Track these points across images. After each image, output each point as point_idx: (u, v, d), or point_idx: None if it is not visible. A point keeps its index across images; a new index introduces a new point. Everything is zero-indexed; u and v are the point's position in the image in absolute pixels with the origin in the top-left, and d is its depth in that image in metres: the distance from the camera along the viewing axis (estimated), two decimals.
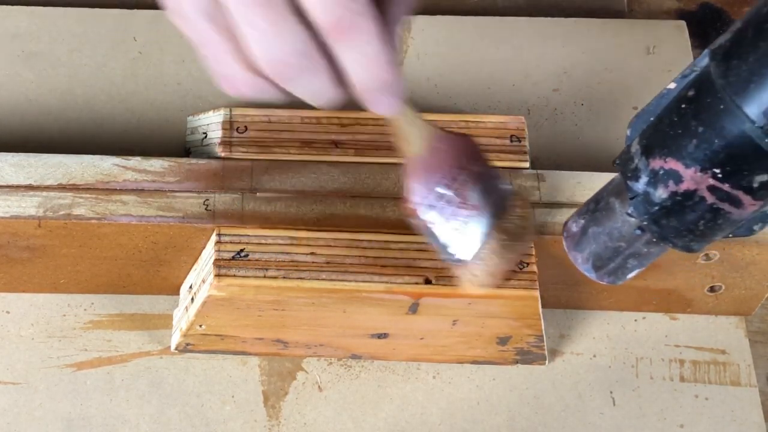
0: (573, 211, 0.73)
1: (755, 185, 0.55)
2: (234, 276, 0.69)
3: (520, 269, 0.71)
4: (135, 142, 0.81)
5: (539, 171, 0.75)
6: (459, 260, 0.66)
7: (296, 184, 0.73)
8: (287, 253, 0.70)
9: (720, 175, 0.55)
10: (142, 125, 0.83)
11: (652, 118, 0.58)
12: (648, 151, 0.57)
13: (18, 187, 0.72)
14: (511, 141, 0.77)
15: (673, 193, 0.57)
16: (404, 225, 0.72)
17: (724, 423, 0.75)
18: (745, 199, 0.56)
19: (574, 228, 0.64)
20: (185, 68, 0.86)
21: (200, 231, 0.72)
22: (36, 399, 0.73)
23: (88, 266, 0.74)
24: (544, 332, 0.73)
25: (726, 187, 0.55)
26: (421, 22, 0.89)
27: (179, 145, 0.80)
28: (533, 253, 0.71)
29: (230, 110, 0.77)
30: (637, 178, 0.58)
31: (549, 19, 0.91)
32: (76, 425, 0.72)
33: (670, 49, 0.89)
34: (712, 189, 0.56)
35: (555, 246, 0.73)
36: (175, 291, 0.76)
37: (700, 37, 0.93)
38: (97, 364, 0.74)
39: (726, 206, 0.56)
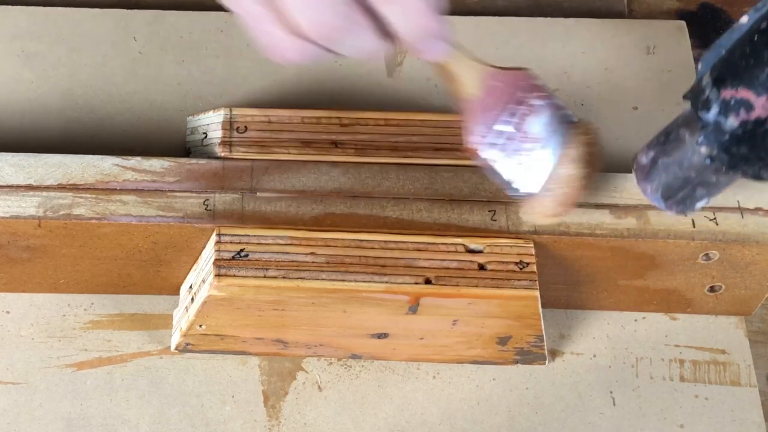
0: (574, 211, 0.73)
1: None
2: (234, 276, 0.69)
3: (520, 269, 0.71)
4: (135, 142, 0.81)
5: None
6: (526, 194, 0.67)
7: (296, 184, 0.73)
8: (287, 253, 0.70)
9: None
10: (142, 125, 0.83)
11: (723, 52, 0.60)
12: (719, 82, 0.60)
13: (18, 187, 0.72)
14: None
15: (744, 122, 0.60)
16: (404, 225, 0.72)
17: (724, 423, 0.75)
18: None
19: (644, 160, 0.66)
20: (185, 68, 0.86)
21: (200, 231, 0.72)
22: (36, 399, 0.73)
23: (88, 266, 0.74)
24: (544, 332, 0.73)
25: None
26: None
27: (179, 145, 0.80)
28: (533, 253, 0.72)
29: (230, 110, 0.77)
30: (708, 109, 0.61)
31: (549, 19, 0.91)
32: (76, 425, 0.72)
33: (670, 49, 0.89)
34: None
35: (555, 246, 0.73)
36: (175, 291, 0.76)
37: (700, 37, 0.93)
38: (97, 364, 0.74)
39: None
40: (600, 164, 0.72)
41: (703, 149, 0.62)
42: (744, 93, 0.60)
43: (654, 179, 0.66)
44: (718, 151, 0.62)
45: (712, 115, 0.61)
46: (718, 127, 0.61)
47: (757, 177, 0.63)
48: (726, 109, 0.60)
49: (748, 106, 0.60)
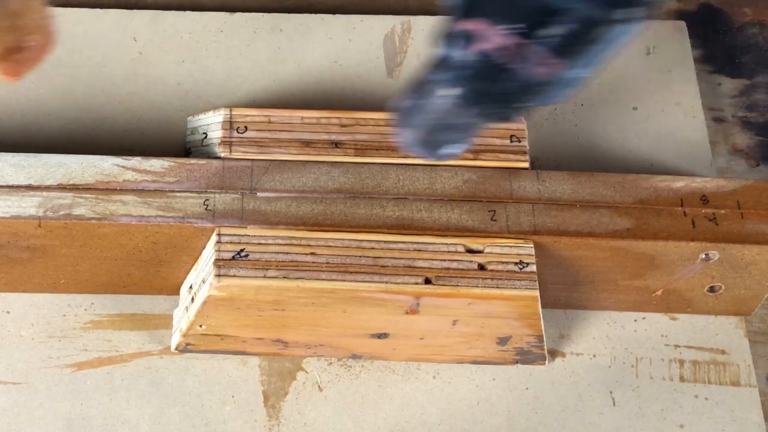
0: (573, 211, 0.73)
1: (547, 40, 0.56)
2: (234, 276, 0.69)
3: (520, 269, 0.71)
4: (135, 142, 0.81)
5: (539, 171, 0.75)
6: None
7: (296, 184, 0.74)
8: (287, 253, 0.70)
9: (515, 32, 0.57)
10: (142, 125, 0.83)
11: None
12: (458, 14, 0.59)
13: (18, 187, 0.72)
14: (511, 141, 0.77)
15: (480, 54, 0.58)
16: (404, 225, 0.72)
17: (724, 423, 0.75)
18: (543, 56, 0.57)
19: (402, 105, 0.64)
20: (185, 68, 0.86)
21: (200, 231, 0.72)
22: (36, 399, 0.73)
23: (88, 266, 0.74)
24: (544, 332, 0.73)
25: (523, 43, 0.57)
26: (421, 22, 0.89)
27: (179, 145, 0.80)
28: (533, 253, 0.72)
29: (230, 110, 0.77)
30: (450, 43, 0.59)
31: None
32: (76, 425, 0.72)
33: (670, 49, 0.89)
34: (512, 47, 0.57)
35: (555, 246, 0.73)
36: (175, 291, 0.76)
37: (700, 37, 0.93)
38: (97, 364, 0.74)
39: (526, 65, 0.58)
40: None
41: (448, 87, 0.61)
42: (476, 24, 0.58)
43: (411, 122, 0.64)
44: (462, 86, 0.60)
45: (454, 49, 0.59)
46: (460, 61, 0.59)
47: (502, 117, 0.62)
48: (466, 41, 0.58)
49: (485, 38, 0.58)
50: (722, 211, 0.74)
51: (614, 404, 0.75)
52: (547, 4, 0.55)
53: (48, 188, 0.72)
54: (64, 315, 0.76)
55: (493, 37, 0.57)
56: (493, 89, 0.59)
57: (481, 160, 0.76)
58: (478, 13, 0.58)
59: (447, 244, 0.72)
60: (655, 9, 0.56)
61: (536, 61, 0.57)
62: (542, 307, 0.72)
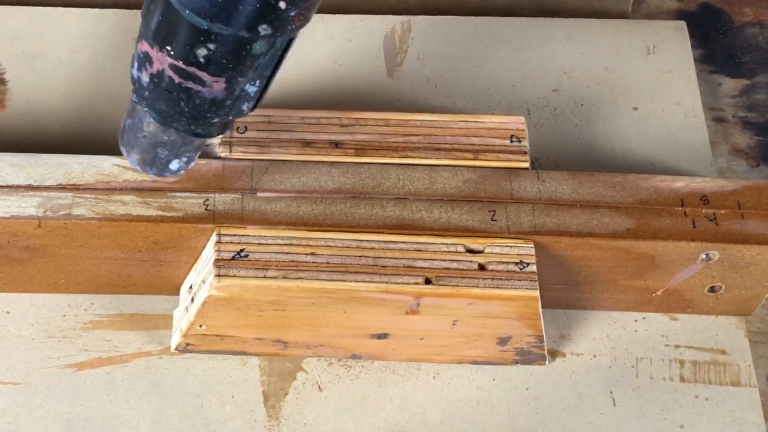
0: (573, 211, 0.74)
1: (202, 60, 0.58)
2: (234, 276, 0.69)
3: (520, 269, 0.71)
4: None
5: (539, 171, 0.75)
6: None
7: (296, 184, 0.74)
8: (287, 253, 0.70)
9: (172, 53, 0.59)
10: None
11: None
12: (138, 36, 0.61)
13: (18, 187, 0.72)
14: (511, 141, 0.77)
15: (152, 76, 0.60)
16: (404, 225, 0.72)
17: (724, 423, 0.75)
18: (204, 75, 0.59)
19: (122, 123, 0.67)
20: None
21: (200, 231, 0.72)
22: (36, 399, 0.73)
23: (88, 266, 0.74)
24: (544, 332, 0.73)
25: (181, 64, 0.59)
26: (421, 22, 0.89)
27: None
28: (533, 253, 0.72)
29: None
30: (132, 64, 0.62)
31: (549, 19, 0.91)
32: (76, 425, 0.72)
33: (670, 49, 0.89)
34: (174, 68, 0.59)
35: (555, 246, 0.73)
36: (175, 291, 0.76)
37: (700, 37, 0.93)
38: (97, 364, 0.74)
39: (192, 84, 0.60)
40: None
41: (143, 108, 0.63)
42: (145, 46, 0.60)
43: (128, 142, 0.67)
44: (147, 107, 0.62)
45: (134, 71, 0.62)
46: (139, 83, 0.62)
47: (194, 134, 0.64)
48: (140, 64, 0.61)
49: (150, 60, 0.60)
50: (722, 211, 0.74)
51: (614, 404, 0.75)
52: (196, 26, 0.57)
53: (48, 188, 0.72)
54: (64, 315, 0.76)
55: (157, 59, 0.60)
56: (175, 108, 0.62)
57: (481, 160, 0.76)
58: (147, 36, 0.60)
59: (447, 244, 0.72)
60: (298, 23, 0.58)
61: (198, 81, 0.60)
62: (542, 307, 0.72)
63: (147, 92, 0.62)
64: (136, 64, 0.62)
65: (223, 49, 0.58)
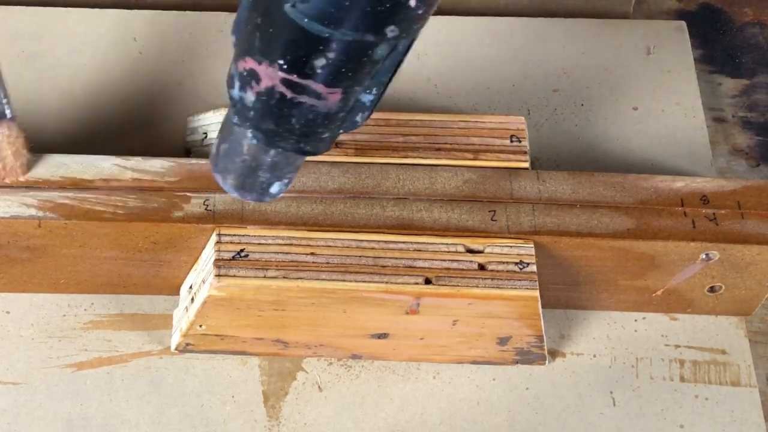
0: (573, 211, 0.73)
1: (318, 71, 0.54)
2: (234, 276, 0.69)
3: (520, 269, 0.71)
4: (135, 142, 0.81)
5: (539, 171, 0.75)
6: None
7: (296, 184, 0.73)
8: (287, 253, 0.70)
9: (285, 66, 0.54)
10: (142, 125, 0.83)
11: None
12: (236, 55, 0.57)
13: (18, 187, 0.72)
14: (511, 141, 0.77)
15: (259, 94, 0.56)
16: (404, 225, 0.72)
17: (724, 423, 0.75)
18: (319, 87, 0.55)
19: (214, 150, 0.63)
20: (185, 68, 0.86)
21: (200, 231, 0.72)
22: (36, 399, 0.73)
23: (88, 266, 0.74)
24: (544, 332, 0.73)
25: (295, 78, 0.55)
26: None
27: (179, 145, 0.80)
28: (533, 253, 0.72)
29: None
30: (232, 85, 0.58)
31: (549, 19, 0.91)
32: (76, 425, 0.72)
33: (670, 49, 0.89)
34: (286, 83, 0.55)
35: (555, 246, 0.73)
36: (175, 291, 0.76)
37: (700, 37, 0.93)
38: (97, 364, 0.74)
39: (306, 99, 0.56)
40: (21, 161, 0.71)
41: (241, 129, 0.59)
42: (250, 63, 0.56)
43: (223, 168, 0.63)
44: (251, 128, 0.58)
45: (236, 91, 0.57)
46: (242, 103, 0.57)
47: (303, 152, 0.59)
48: (243, 82, 0.57)
49: (256, 77, 0.56)
50: (722, 211, 0.74)
51: (614, 404, 0.75)
52: (315, 35, 0.53)
53: (48, 188, 0.72)
54: (64, 315, 0.76)
55: (266, 75, 0.56)
56: (284, 126, 0.58)
57: (481, 160, 0.76)
58: (252, 53, 0.56)
59: (447, 244, 0.72)
60: (422, 23, 0.54)
61: (313, 94, 0.56)
62: (542, 307, 0.72)
63: (252, 112, 0.57)
64: (237, 84, 0.57)
65: (343, 56, 0.54)
